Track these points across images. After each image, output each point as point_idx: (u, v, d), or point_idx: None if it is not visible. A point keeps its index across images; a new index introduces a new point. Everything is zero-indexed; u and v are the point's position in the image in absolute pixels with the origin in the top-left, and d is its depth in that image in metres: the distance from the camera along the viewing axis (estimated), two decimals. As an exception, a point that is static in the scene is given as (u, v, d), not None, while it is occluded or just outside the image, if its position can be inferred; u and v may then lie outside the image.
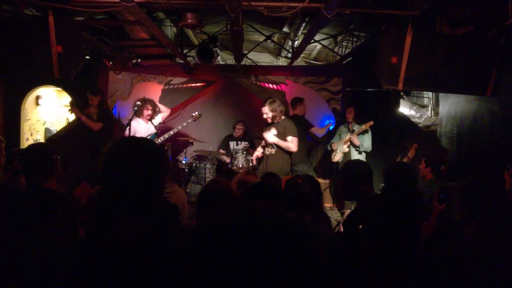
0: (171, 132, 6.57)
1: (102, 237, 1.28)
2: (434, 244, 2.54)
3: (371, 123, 6.35)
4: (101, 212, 1.33)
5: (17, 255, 1.73)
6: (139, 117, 6.25)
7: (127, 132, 5.68)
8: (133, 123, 5.89)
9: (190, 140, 7.31)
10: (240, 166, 6.73)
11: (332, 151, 6.90)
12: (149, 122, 6.35)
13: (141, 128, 6.22)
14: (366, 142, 6.51)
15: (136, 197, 1.34)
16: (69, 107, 6.23)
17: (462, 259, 1.89)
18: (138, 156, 1.37)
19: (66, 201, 1.73)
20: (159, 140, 6.38)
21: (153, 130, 6.35)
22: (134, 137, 1.46)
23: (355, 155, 6.49)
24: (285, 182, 2.82)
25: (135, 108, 5.95)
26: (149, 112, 6.27)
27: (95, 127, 6.29)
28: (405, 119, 7.72)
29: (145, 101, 6.34)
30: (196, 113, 6.64)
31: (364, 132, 6.48)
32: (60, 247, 1.61)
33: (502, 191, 2.00)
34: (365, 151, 6.52)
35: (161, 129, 6.92)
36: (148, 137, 6.05)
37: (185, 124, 6.60)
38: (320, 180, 7.23)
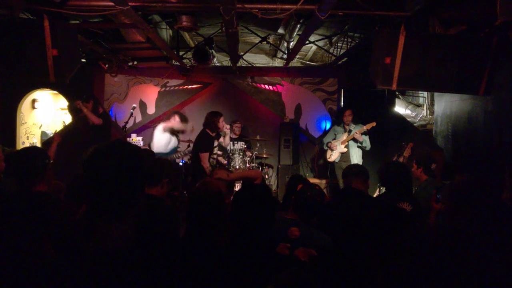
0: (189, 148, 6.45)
1: (83, 243, 1.31)
2: (434, 243, 2.56)
3: (374, 124, 6.31)
4: (84, 217, 1.36)
5: (4, 258, 1.75)
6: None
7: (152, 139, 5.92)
8: (157, 132, 5.97)
9: (187, 142, 7.32)
10: (237, 167, 6.74)
11: (327, 150, 6.88)
12: (174, 135, 6.22)
13: (163, 138, 6.07)
14: (365, 140, 6.52)
15: (114, 203, 1.35)
16: (74, 105, 6.39)
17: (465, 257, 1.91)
18: (117, 163, 1.37)
19: (56, 203, 1.74)
20: (180, 159, 6.34)
21: (175, 144, 6.25)
22: (115, 143, 1.44)
23: (353, 155, 6.48)
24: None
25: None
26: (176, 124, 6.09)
27: (96, 121, 6.44)
28: (401, 119, 7.75)
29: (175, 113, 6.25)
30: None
31: (364, 132, 6.48)
32: (49, 250, 1.63)
33: (489, 192, 2.06)
34: (365, 148, 6.50)
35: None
36: (168, 150, 6.11)
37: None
38: (317, 180, 7.27)
